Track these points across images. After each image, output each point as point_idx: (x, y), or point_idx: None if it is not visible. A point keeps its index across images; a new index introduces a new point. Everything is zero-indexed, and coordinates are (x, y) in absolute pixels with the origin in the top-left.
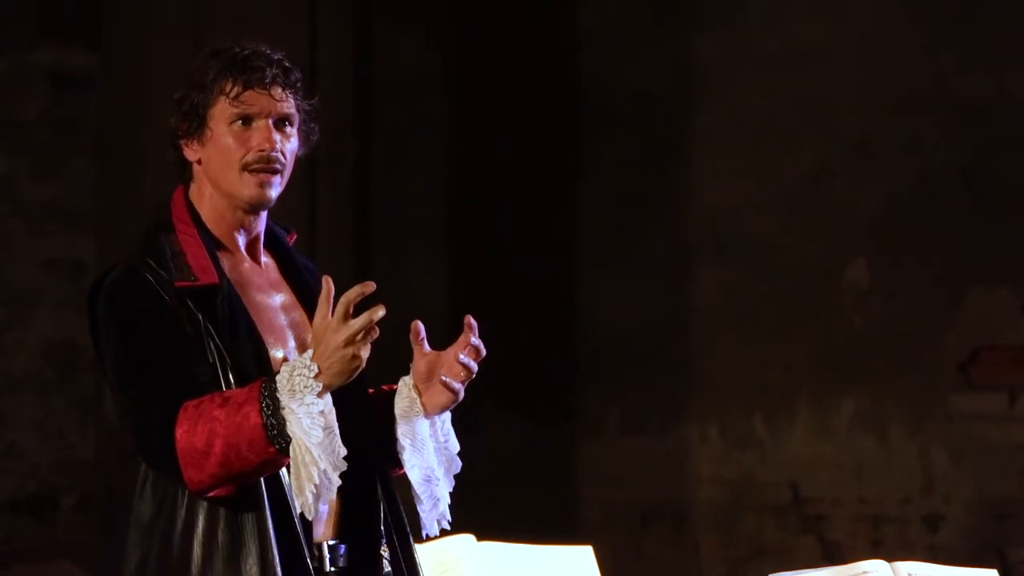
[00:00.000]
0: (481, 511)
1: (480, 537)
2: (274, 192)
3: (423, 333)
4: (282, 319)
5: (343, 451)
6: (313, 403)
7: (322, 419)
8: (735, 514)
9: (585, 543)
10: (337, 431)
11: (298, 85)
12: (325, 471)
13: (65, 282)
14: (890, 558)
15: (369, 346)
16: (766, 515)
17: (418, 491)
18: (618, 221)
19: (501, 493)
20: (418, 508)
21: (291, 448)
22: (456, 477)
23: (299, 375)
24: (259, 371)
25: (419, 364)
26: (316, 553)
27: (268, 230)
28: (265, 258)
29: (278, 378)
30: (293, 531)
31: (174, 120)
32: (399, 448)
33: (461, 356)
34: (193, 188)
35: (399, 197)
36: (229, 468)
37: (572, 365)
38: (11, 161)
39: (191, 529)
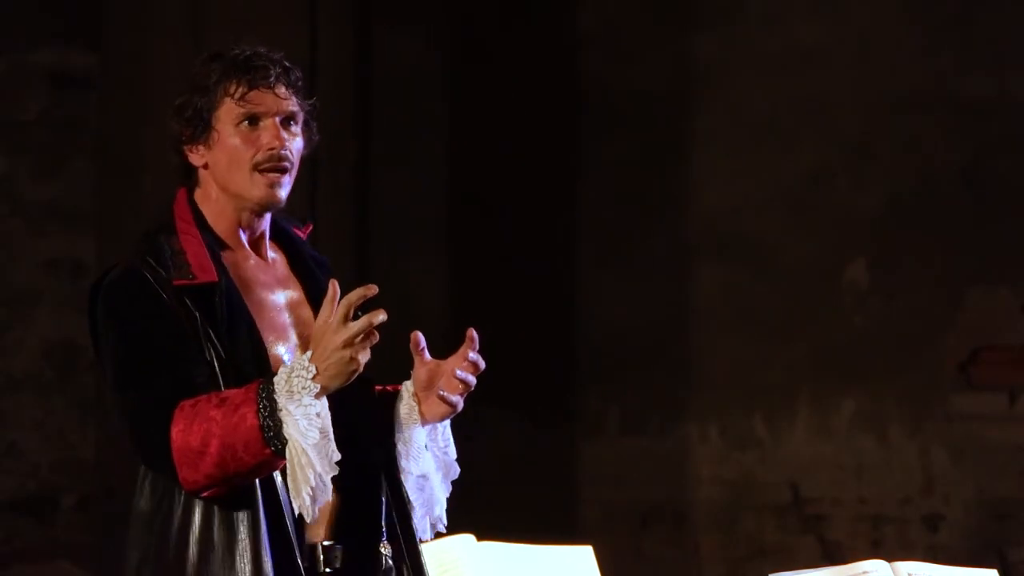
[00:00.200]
0: (481, 511)
1: (480, 537)
2: (284, 192)
3: (423, 343)
4: (286, 317)
5: (336, 455)
6: (311, 404)
7: (319, 420)
8: (735, 514)
9: (585, 543)
10: (332, 435)
11: (299, 84)
12: (320, 474)
13: (65, 282)
14: (890, 558)
15: (368, 351)
16: (766, 515)
17: (410, 496)
18: (618, 221)
19: (501, 493)
20: (411, 512)
21: (287, 450)
22: (456, 477)
23: (297, 376)
24: (257, 370)
25: (419, 373)
26: (310, 554)
27: (275, 225)
28: (273, 254)
29: (276, 379)
30: (285, 532)
31: (177, 126)
32: (397, 452)
33: (458, 372)
34: (198, 192)
35: (399, 197)
36: (225, 469)
37: (572, 365)
38: (11, 161)
39: (187, 527)
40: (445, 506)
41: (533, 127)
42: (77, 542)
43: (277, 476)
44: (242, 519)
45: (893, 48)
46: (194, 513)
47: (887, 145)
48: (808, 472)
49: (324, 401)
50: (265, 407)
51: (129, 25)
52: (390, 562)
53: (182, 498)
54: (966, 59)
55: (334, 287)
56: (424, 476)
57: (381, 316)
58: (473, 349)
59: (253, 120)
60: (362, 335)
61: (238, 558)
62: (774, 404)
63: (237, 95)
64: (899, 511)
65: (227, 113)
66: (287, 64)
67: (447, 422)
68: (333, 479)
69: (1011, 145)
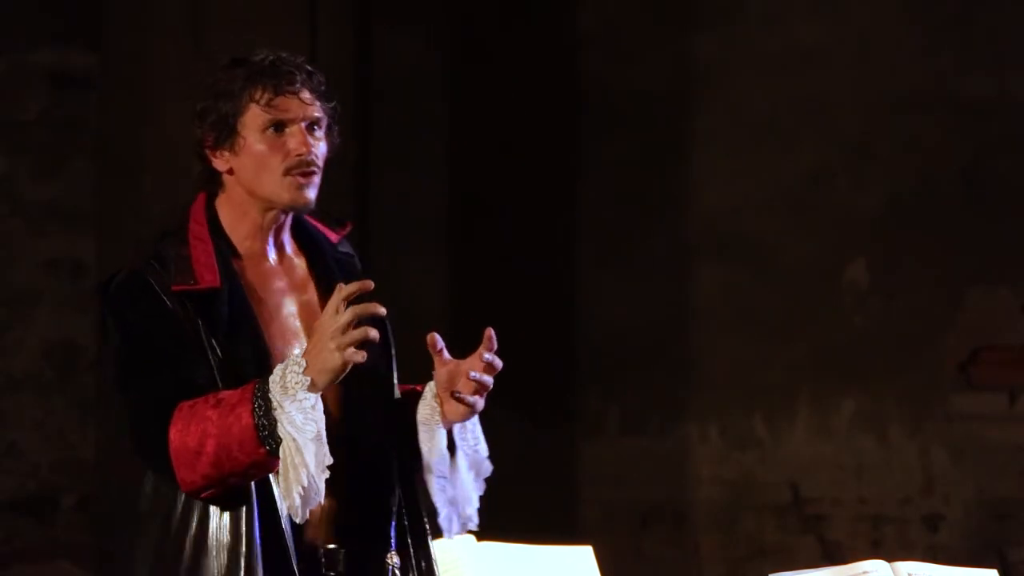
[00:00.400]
0: (481, 511)
1: (480, 537)
2: (313, 193)
3: (440, 344)
4: (297, 322)
5: (329, 460)
6: (304, 398)
7: (314, 413)
8: (735, 514)
9: (585, 543)
10: (325, 438)
11: (322, 89)
12: (312, 475)
13: (65, 282)
14: (890, 558)
15: (356, 348)
16: (766, 515)
17: (433, 497)
18: (618, 221)
19: (501, 493)
20: (426, 525)
21: (281, 449)
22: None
23: (291, 372)
24: (257, 374)
25: (440, 373)
26: (311, 556)
27: (299, 227)
28: (297, 259)
29: (271, 378)
30: (281, 535)
31: (200, 131)
32: (419, 453)
33: (472, 373)
34: (221, 196)
35: (399, 197)
36: (220, 468)
37: (572, 365)
38: (11, 161)
39: (184, 530)
40: (478, 505)
41: (533, 127)
42: (77, 542)
43: (275, 484)
44: (237, 522)
45: (893, 48)
46: (191, 515)
47: (887, 145)
48: (808, 472)
49: (318, 399)
50: (260, 406)
51: (129, 25)
52: (397, 573)
53: (180, 500)
54: (966, 59)
55: (339, 289)
56: (445, 477)
57: (376, 309)
58: (489, 349)
59: (279, 127)
60: (352, 330)
61: (231, 561)
62: (774, 404)
63: (263, 101)
64: (899, 511)
65: (253, 119)
66: (310, 69)
67: (476, 420)
68: (340, 483)
69: (1011, 145)
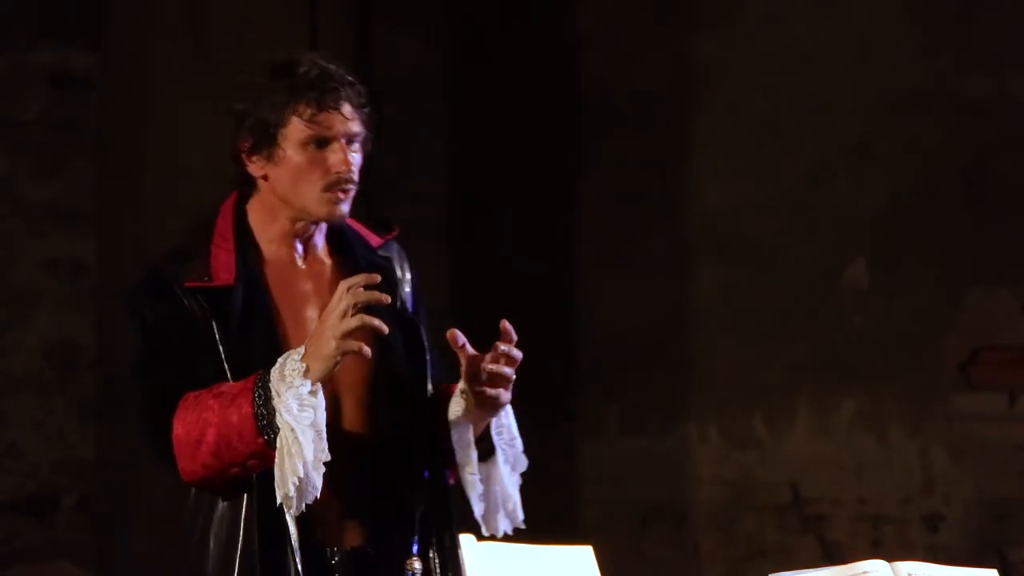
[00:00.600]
0: None
1: (480, 537)
2: (348, 207)
3: (461, 339)
4: None
5: (326, 456)
6: (302, 385)
7: (312, 400)
8: (735, 514)
9: (585, 543)
10: (323, 430)
11: (363, 101)
12: (308, 465)
13: (65, 282)
14: (890, 558)
15: (358, 342)
16: (766, 515)
17: (467, 494)
18: (618, 221)
19: None
20: (456, 534)
21: (278, 439)
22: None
23: (290, 360)
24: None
25: (466, 370)
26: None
27: (334, 230)
28: (327, 261)
29: (272, 369)
30: (284, 533)
31: (238, 134)
32: (452, 451)
33: (488, 366)
34: (254, 200)
35: (399, 197)
36: (220, 458)
37: (572, 365)
38: (11, 161)
39: (192, 527)
40: (519, 500)
41: (533, 127)
42: (77, 542)
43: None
44: (240, 520)
45: (893, 48)
46: (199, 513)
47: (887, 145)
48: (808, 472)
49: (318, 387)
50: (260, 396)
51: (129, 25)
52: None
53: (191, 497)
54: (966, 59)
55: (343, 285)
56: (475, 474)
57: (380, 298)
58: (507, 342)
59: (321, 143)
60: (350, 320)
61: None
62: (774, 404)
63: (306, 116)
64: (899, 511)
65: (294, 132)
66: (351, 80)
67: (510, 414)
68: (362, 486)
69: (1011, 145)
